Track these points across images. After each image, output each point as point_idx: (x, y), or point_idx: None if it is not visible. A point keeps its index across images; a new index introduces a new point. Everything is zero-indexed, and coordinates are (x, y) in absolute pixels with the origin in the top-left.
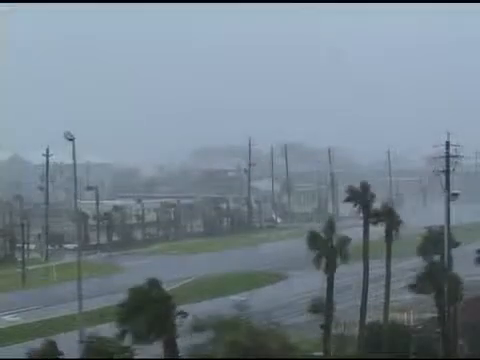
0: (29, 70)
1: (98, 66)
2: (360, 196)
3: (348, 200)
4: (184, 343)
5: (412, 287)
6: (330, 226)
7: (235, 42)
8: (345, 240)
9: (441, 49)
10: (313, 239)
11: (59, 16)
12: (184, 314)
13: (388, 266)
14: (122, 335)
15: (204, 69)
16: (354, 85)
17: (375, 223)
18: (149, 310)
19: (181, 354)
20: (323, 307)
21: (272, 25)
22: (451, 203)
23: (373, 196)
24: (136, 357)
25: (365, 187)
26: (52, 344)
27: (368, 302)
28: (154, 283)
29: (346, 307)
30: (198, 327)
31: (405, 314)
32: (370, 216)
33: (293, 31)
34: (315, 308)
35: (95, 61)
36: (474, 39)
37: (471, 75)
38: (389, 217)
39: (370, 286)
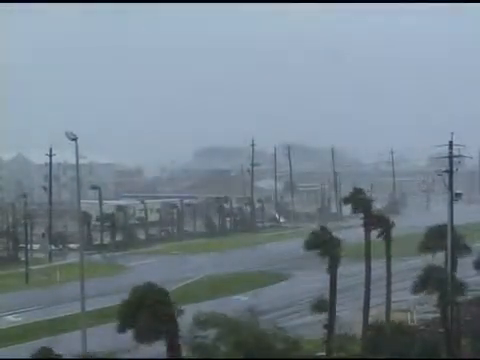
0: (32, 70)
1: (101, 66)
2: (359, 200)
3: (347, 203)
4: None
5: (414, 286)
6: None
7: (236, 43)
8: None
9: (443, 48)
10: (315, 238)
11: (62, 16)
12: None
13: (389, 266)
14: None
15: (206, 70)
16: (356, 85)
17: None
18: (150, 309)
19: (184, 354)
20: (326, 308)
21: (273, 26)
22: (454, 203)
23: (371, 200)
24: (136, 357)
25: (361, 191)
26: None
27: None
28: (154, 285)
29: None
30: (202, 325)
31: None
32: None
33: (295, 32)
34: (317, 309)
35: (98, 61)
36: (475, 38)
37: (473, 74)
38: (385, 222)
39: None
